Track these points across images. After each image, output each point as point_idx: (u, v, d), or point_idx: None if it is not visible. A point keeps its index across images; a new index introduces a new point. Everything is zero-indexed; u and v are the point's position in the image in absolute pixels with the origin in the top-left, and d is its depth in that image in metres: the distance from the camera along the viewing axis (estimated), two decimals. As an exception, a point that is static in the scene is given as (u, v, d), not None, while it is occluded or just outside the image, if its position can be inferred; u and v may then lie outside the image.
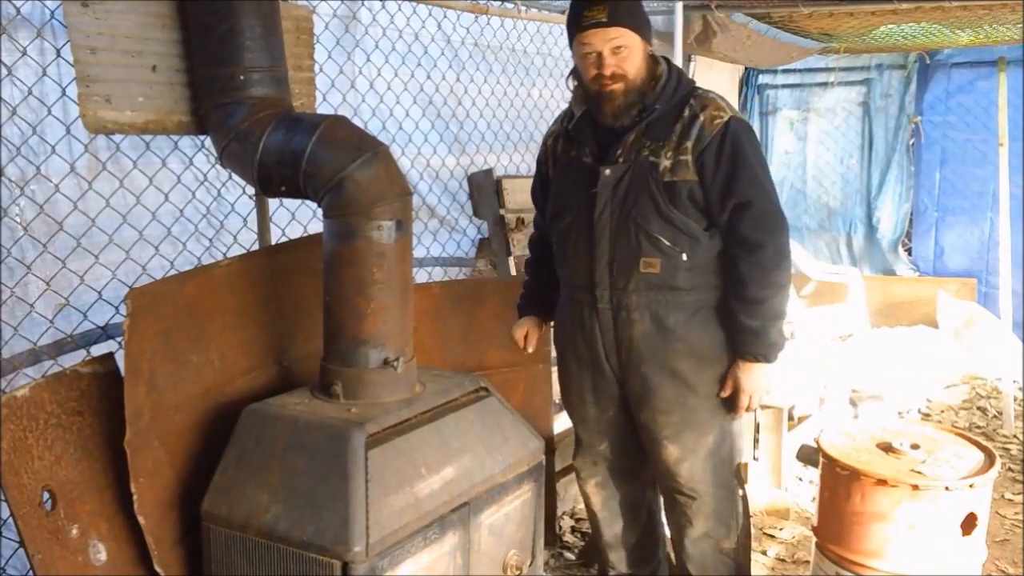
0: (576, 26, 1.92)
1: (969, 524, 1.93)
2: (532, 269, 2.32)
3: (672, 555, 2.36)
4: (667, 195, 1.93)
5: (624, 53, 1.90)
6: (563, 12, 3.66)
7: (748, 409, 2.04)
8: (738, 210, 1.92)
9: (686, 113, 1.95)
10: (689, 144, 1.93)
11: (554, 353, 2.37)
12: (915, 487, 1.87)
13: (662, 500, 2.27)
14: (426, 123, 3.24)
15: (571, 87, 2.07)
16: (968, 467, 1.96)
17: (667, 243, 1.95)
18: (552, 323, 2.30)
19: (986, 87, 4.97)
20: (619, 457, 2.22)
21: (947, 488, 1.87)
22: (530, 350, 2.28)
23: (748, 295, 1.93)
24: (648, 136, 1.96)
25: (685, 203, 1.93)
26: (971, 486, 1.88)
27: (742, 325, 1.96)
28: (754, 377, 1.99)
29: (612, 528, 2.30)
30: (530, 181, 3.22)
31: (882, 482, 1.90)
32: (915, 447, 2.04)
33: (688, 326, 1.99)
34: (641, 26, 1.93)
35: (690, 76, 4.42)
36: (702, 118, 1.93)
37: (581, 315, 2.08)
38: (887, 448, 2.04)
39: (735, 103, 5.36)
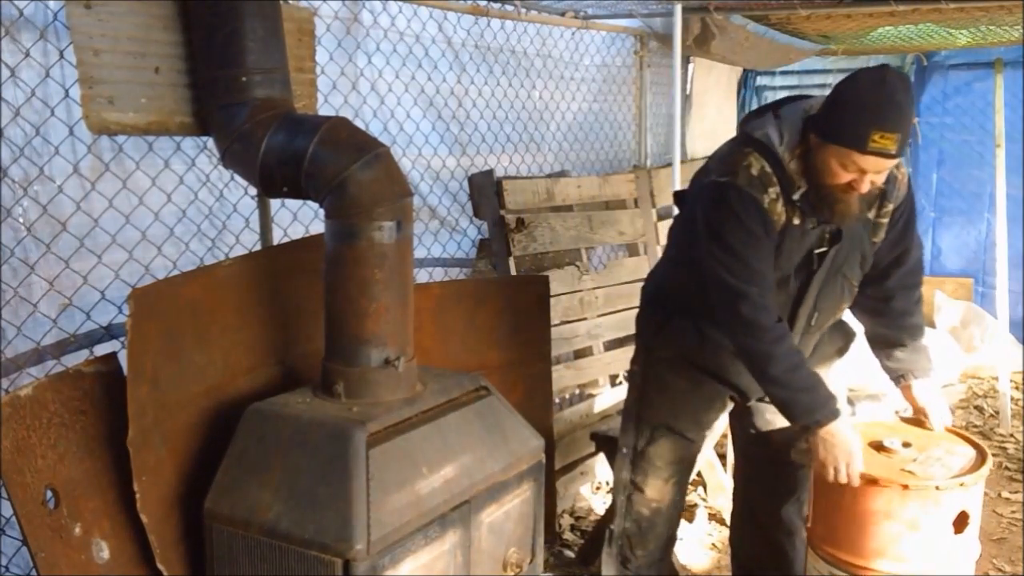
0: (855, 144, 1.73)
1: (961, 522, 1.92)
2: (797, 355, 1.92)
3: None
4: (871, 252, 2.06)
5: (885, 172, 1.83)
6: (563, 14, 3.69)
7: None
8: (907, 253, 2.08)
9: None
10: (891, 207, 2.00)
11: (555, 351, 2.37)
12: (905, 487, 1.86)
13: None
14: (427, 124, 3.25)
15: (788, 158, 1.86)
16: (959, 465, 1.95)
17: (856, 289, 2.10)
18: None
19: (983, 89, 4.99)
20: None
21: (938, 488, 1.86)
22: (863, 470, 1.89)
23: (912, 324, 2.13)
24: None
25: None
26: (962, 484, 1.88)
27: (912, 346, 2.13)
28: (934, 395, 2.16)
29: (675, 524, 2.37)
30: (530, 182, 3.26)
31: (872, 482, 1.88)
32: (907, 445, 2.03)
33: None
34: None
35: (689, 78, 4.46)
36: (899, 176, 1.99)
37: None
38: (879, 447, 2.03)
39: (733, 105, 5.37)
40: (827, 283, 2.02)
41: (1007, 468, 3.62)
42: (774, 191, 1.88)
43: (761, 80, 5.52)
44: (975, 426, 4.16)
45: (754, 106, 5.58)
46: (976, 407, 4.41)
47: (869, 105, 1.73)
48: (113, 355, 1.78)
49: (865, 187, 1.79)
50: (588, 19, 3.82)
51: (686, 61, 4.42)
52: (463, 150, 3.41)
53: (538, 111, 3.75)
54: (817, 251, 1.96)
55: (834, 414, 1.89)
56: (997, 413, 4.22)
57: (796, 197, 1.89)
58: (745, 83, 5.47)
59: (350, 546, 1.56)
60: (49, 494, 1.61)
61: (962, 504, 1.91)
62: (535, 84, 3.72)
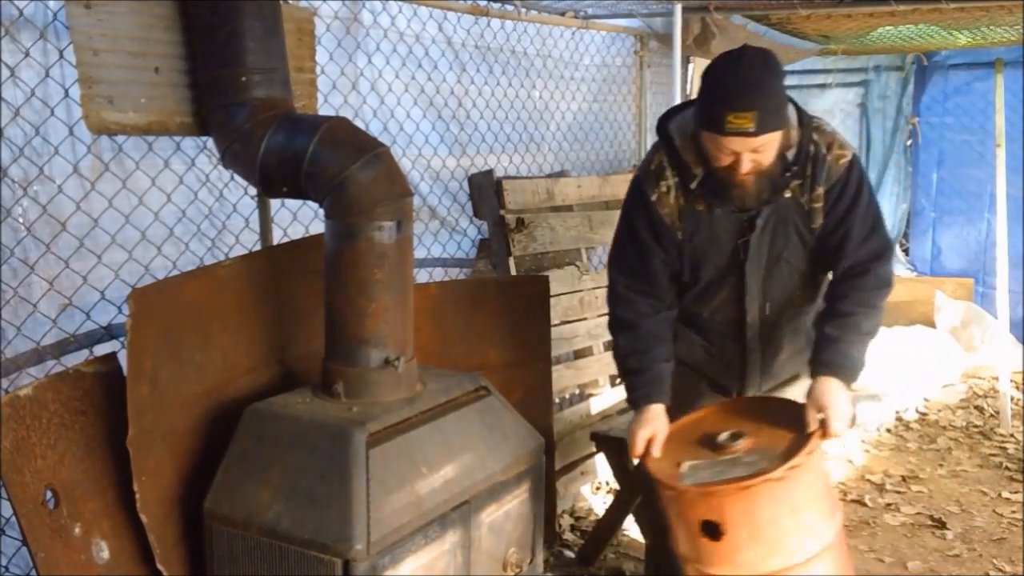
0: (713, 127, 1.73)
1: (714, 531, 1.75)
2: (637, 342, 1.96)
3: None
4: (810, 236, 1.94)
5: (764, 151, 1.76)
6: (563, 14, 3.69)
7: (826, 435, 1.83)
8: (847, 239, 1.91)
9: (811, 150, 1.87)
10: (820, 189, 1.89)
11: (555, 351, 2.37)
12: (665, 485, 1.74)
13: None
14: (427, 124, 3.25)
15: (678, 142, 1.89)
16: (744, 472, 1.74)
17: (809, 274, 2.00)
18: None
19: (983, 88, 4.99)
20: None
21: (681, 491, 1.73)
22: (655, 454, 1.86)
23: (840, 310, 1.91)
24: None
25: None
26: (706, 494, 1.71)
27: (825, 335, 1.90)
28: (833, 395, 1.83)
29: None
30: (530, 182, 3.26)
31: (669, 488, 1.76)
32: (737, 436, 1.83)
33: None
34: (785, 117, 1.78)
35: (689, 78, 4.46)
36: (829, 159, 1.88)
37: (723, 348, 2.07)
38: (711, 443, 1.85)
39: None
40: (770, 272, 1.96)
41: (1007, 468, 3.62)
42: (666, 184, 1.91)
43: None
44: (975, 426, 4.16)
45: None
46: (976, 407, 4.41)
47: (722, 86, 1.73)
48: (113, 355, 1.78)
49: (745, 167, 1.75)
50: (588, 19, 3.82)
51: (686, 61, 4.41)
52: (463, 150, 3.42)
53: (538, 111, 3.75)
54: (741, 240, 1.92)
55: (643, 399, 1.92)
56: (997, 413, 4.22)
57: (694, 185, 1.88)
58: (745, 83, 5.48)
59: (350, 546, 1.56)
60: (49, 494, 1.61)
61: (708, 513, 1.75)
62: (535, 84, 3.72)
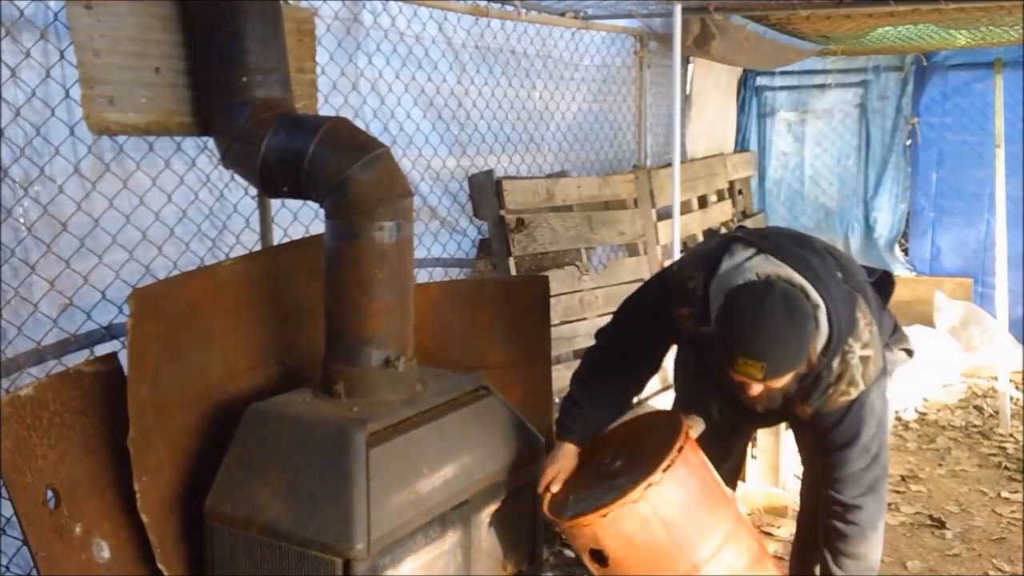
0: (727, 362, 1.70)
1: (599, 558, 1.78)
2: (585, 384, 2.00)
3: None
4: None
5: (776, 385, 1.72)
6: (563, 14, 3.69)
7: None
8: (842, 466, 1.87)
9: (822, 376, 1.80)
10: (809, 410, 1.87)
11: (555, 351, 2.36)
12: (576, 524, 1.74)
13: None
14: (427, 125, 3.25)
15: (712, 292, 1.80)
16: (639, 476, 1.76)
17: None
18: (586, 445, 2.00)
19: (982, 89, 4.99)
20: None
21: (604, 516, 1.72)
22: (553, 489, 1.89)
23: (842, 549, 1.91)
24: None
25: None
26: (602, 515, 1.70)
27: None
28: None
29: None
30: (530, 182, 3.26)
31: (552, 523, 1.79)
32: (615, 459, 1.86)
33: None
34: (803, 360, 1.70)
35: (689, 79, 4.46)
36: (830, 391, 1.82)
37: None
38: (598, 470, 1.86)
39: (733, 105, 5.38)
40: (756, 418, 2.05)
41: (1006, 468, 3.62)
42: (688, 311, 1.89)
43: (761, 80, 5.53)
44: (975, 426, 4.16)
45: (754, 106, 5.59)
46: (976, 407, 4.41)
47: (740, 328, 1.68)
48: (113, 355, 1.78)
49: (754, 391, 1.71)
50: (588, 19, 3.82)
51: (686, 61, 4.42)
52: (463, 150, 3.42)
53: (538, 111, 3.75)
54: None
55: (562, 433, 1.98)
56: (997, 413, 4.22)
57: (708, 331, 1.84)
58: (745, 83, 5.48)
59: (350, 546, 1.56)
60: (49, 494, 1.61)
61: (588, 543, 1.77)
62: (535, 84, 3.72)
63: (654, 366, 2.07)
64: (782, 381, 1.71)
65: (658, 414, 2.03)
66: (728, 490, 1.99)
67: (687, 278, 1.91)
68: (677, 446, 1.78)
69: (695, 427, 1.98)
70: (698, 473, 1.85)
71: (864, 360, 1.83)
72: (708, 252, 1.88)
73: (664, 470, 1.74)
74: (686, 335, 1.97)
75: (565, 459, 1.93)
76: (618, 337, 2.03)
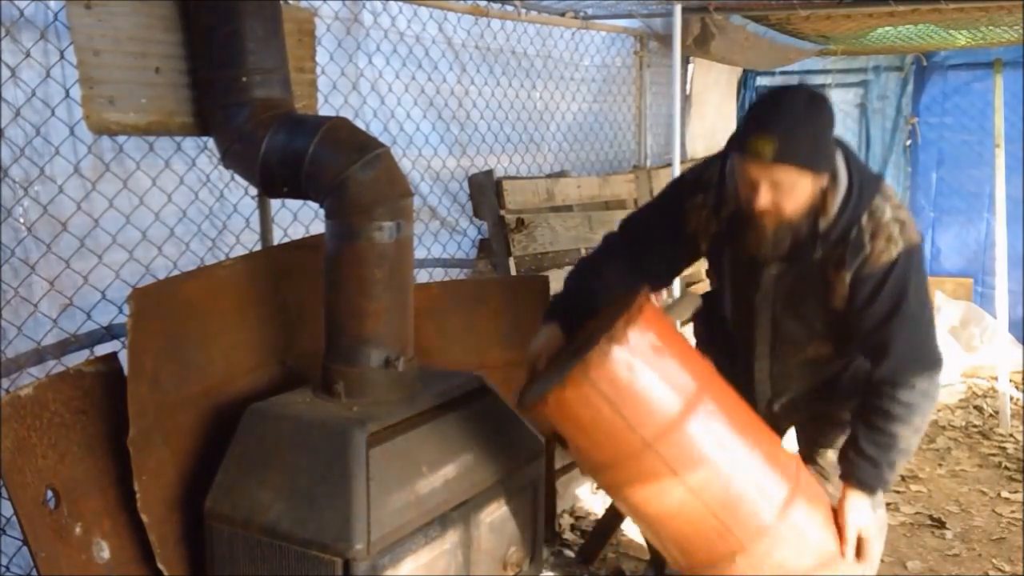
0: (737, 147, 1.68)
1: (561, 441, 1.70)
2: (578, 276, 1.96)
3: None
4: (833, 308, 1.80)
5: (786, 190, 1.64)
6: (563, 14, 3.69)
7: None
8: (886, 347, 1.75)
9: (853, 235, 1.71)
10: (846, 274, 1.74)
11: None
12: (527, 408, 1.69)
13: None
14: (427, 125, 3.25)
15: (730, 167, 1.77)
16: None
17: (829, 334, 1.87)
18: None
19: (982, 89, 4.99)
20: None
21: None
22: (539, 367, 1.84)
23: (878, 425, 1.78)
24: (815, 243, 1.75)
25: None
26: (545, 400, 1.59)
27: (859, 449, 1.79)
28: (851, 514, 1.77)
29: None
30: (530, 182, 3.26)
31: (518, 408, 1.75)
32: (577, 341, 1.76)
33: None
34: (817, 163, 1.64)
35: (689, 78, 4.46)
36: (867, 250, 1.71)
37: (735, 355, 1.99)
38: (567, 351, 1.77)
39: (733, 105, 5.38)
40: (781, 316, 1.88)
41: (1006, 468, 3.63)
42: (703, 199, 1.86)
43: (761, 80, 5.52)
44: (974, 426, 4.16)
45: (753, 106, 5.59)
46: (976, 407, 4.42)
47: (757, 110, 1.70)
48: (114, 355, 1.79)
49: (762, 199, 1.64)
50: (588, 19, 3.82)
51: (686, 61, 4.42)
52: (463, 150, 3.42)
53: (538, 111, 3.76)
54: (756, 275, 1.85)
55: (548, 316, 1.91)
56: (997, 413, 4.23)
57: (724, 214, 1.84)
58: (745, 83, 5.48)
59: (350, 546, 1.56)
60: (49, 494, 1.61)
61: (547, 425, 1.71)
62: (535, 84, 3.72)
63: (647, 277, 1.89)
64: (791, 183, 1.62)
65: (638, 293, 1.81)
66: (706, 361, 1.78)
67: (703, 170, 1.90)
68: (622, 321, 1.60)
69: (684, 304, 1.88)
70: (650, 345, 1.64)
71: (899, 222, 1.73)
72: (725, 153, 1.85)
73: (606, 346, 1.57)
74: (693, 236, 1.88)
75: (548, 339, 1.85)
76: (621, 236, 1.97)
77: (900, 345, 1.75)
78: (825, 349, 1.93)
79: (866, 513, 1.79)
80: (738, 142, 1.68)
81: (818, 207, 1.71)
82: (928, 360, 1.80)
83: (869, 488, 1.79)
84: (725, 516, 1.66)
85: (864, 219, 1.72)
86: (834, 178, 1.70)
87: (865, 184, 1.73)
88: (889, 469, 1.80)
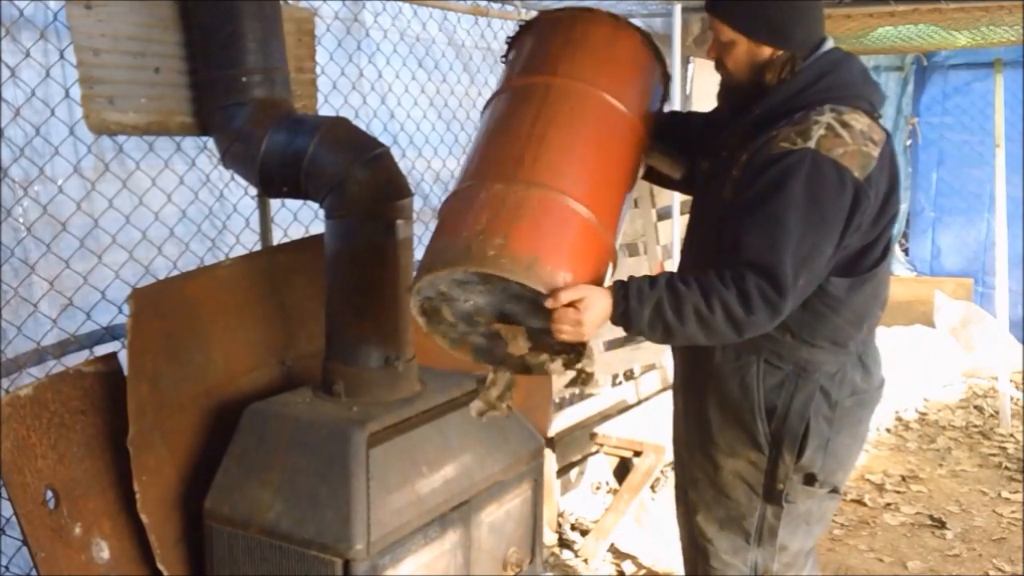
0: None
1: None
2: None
3: None
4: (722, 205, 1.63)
5: (724, 44, 1.66)
6: (562, 14, 3.68)
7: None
8: (734, 245, 1.51)
9: (782, 122, 1.56)
10: (744, 156, 1.59)
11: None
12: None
13: None
14: (427, 125, 3.25)
15: None
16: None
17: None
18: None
19: (983, 89, 5.00)
20: None
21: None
22: None
23: (686, 278, 1.51)
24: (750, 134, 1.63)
25: None
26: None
27: (660, 276, 1.53)
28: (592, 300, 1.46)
29: None
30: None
31: None
32: None
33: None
34: (749, 27, 1.60)
35: (689, 79, 4.46)
36: (775, 138, 1.54)
37: None
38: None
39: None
40: (694, 228, 1.79)
41: (1007, 468, 3.63)
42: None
43: (761, 80, 5.53)
44: (975, 426, 4.16)
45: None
46: (976, 407, 4.42)
47: None
48: (113, 355, 1.78)
49: (710, 49, 1.70)
50: (588, 19, 3.82)
51: (686, 61, 4.42)
52: (464, 150, 3.42)
53: (538, 111, 3.74)
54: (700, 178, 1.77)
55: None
56: (997, 413, 4.23)
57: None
58: (745, 83, 5.49)
59: (350, 546, 1.56)
60: (49, 494, 1.61)
61: None
62: (535, 84, 3.71)
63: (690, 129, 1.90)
64: (725, 33, 1.62)
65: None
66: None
67: None
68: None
69: (674, 163, 1.81)
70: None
71: (831, 130, 1.51)
72: None
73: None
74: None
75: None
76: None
77: (748, 250, 1.48)
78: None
79: (599, 310, 1.47)
80: None
81: (758, 79, 1.63)
82: (770, 290, 1.46)
83: (623, 312, 1.49)
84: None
85: (798, 114, 1.55)
86: (791, 61, 1.60)
87: (823, 90, 1.57)
88: (648, 325, 1.50)
